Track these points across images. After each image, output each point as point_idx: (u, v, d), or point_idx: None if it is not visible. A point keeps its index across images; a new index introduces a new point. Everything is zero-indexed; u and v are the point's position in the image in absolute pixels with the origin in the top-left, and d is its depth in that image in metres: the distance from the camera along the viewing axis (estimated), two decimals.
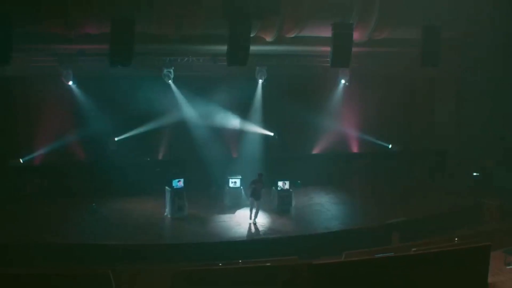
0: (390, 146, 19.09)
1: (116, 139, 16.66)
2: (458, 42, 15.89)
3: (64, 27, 13.55)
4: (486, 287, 8.01)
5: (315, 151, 18.65)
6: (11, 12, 12.37)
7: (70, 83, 15.77)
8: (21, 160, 16.50)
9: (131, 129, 16.57)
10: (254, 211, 13.98)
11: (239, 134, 17.55)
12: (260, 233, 13.27)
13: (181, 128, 16.67)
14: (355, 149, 19.04)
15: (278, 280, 7.45)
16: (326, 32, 13.98)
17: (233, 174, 15.85)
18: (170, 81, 15.96)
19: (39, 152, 16.47)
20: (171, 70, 15.82)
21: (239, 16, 13.09)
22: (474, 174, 17.38)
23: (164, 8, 13.35)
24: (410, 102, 19.25)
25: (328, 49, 14.09)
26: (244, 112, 17.42)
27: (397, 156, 18.85)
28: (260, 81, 16.77)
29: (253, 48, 13.43)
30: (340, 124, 18.29)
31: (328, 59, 14.35)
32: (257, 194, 14.01)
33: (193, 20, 13.66)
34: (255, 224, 13.78)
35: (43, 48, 14.88)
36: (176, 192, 14.32)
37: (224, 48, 13.38)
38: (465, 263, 7.80)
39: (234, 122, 17.33)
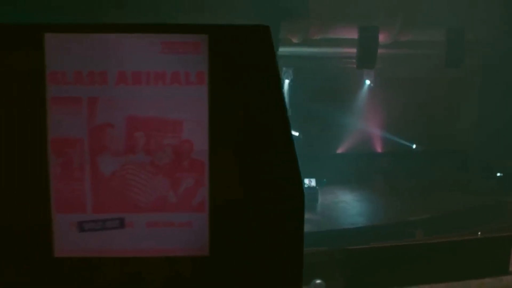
0: (414, 145, 19.66)
1: None
2: (481, 44, 16.42)
3: None
4: (507, 274, 8.63)
5: (340, 150, 19.28)
6: None
7: None
8: None
9: None
10: None
11: None
12: None
13: None
14: (379, 148, 19.64)
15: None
16: (352, 34, 14.67)
17: None
18: None
19: None
20: None
21: (268, 18, 13.86)
22: (498, 174, 17.87)
23: (196, 8, 14.17)
24: (433, 102, 19.74)
25: (353, 50, 14.78)
26: None
27: (420, 156, 19.39)
28: (287, 81, 17.46)
29: (280, 49, 14.17)
30: (364, 124, 18.89)
31: (353, 61, 15.06)
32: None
33: (224, 22, 14.43)
34: None
35: None
36: None
37: None
38: (487, 251, 8.43)
39: None
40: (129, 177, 1.83)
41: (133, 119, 1.79)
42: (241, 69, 1.80)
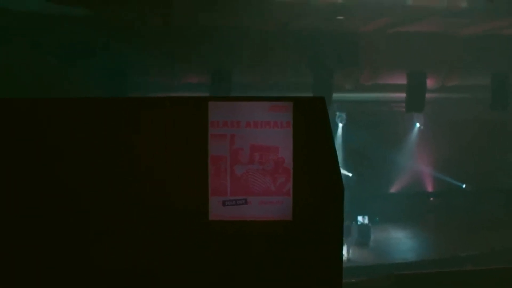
0: (464, 185, 20.83)
1: None
2: None
3: (171, 77, 16.61)
4: None
5: (392, 189, 20.66)
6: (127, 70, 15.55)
7: None
8: None
9: None
10: (347, 247, 16.07)
11: None
12: (346, 262, 15.40)
13: None
14: (430, 187, 20.92)
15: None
16: (402, 80, 16.32)
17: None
18: None
19: None
20: None
21: (322, 68, 15.69)
22: None
23: (256, 59, 16.14)
24: (483, 142, 20.91)
25: (403, 95, 16.40)
26: None
27: (470, 195, 20.53)
28: (340, 125, 19.13)
29: (334, 95, 15.93)
30: (415, 164, 20.26)
31: (403, 105, 16.66)
32: (348, 231, 16.17)
33: (283, 71, 16.36)
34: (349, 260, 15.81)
35: (145, 95, 18.00)
36: None
37: (305, 95, 15.92)
38: None
39: None
40: (250, 176, 3.58)
41: (253, 145, 3.55)
42: (308, 122, 3.57)
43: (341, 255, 3.70)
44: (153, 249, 3.60)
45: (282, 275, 3.60)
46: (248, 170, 3.58)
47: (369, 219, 17.53)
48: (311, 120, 3.60)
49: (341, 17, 14.63)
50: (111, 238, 3.60)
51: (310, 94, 15.87)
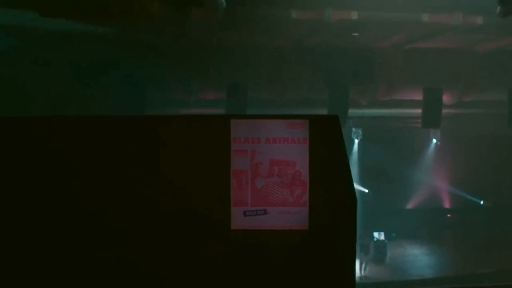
0: (481, 202, 20.97)
1: None
2: None
3: (187, 93, 17.04)
4: None
5: (409, 205, 20.86)
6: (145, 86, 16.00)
7: None
8: None
9: None
10: (363, 264, 16.32)
11: None
12: (361, 279, 15.64)
13: None
14: (447, 204, 21.09)
15: None
16: (418, 96, 16.61)
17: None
18: None
19: None
20: None
21: (337, 84, 16.04)
22: None
23: (272, 76, 16.54)
24: (500, 158, 21.05)
25: (419, 111, 16.68)
26: None
27: (488, 211, 20.66)
28: (356, 141, 19.43)
29: (350, 110, 16.25)
30: (432, 180, 20.47)
31: (419, 120, 16.93)
32: (366, 249, 16.42)
33: (298, 87, 16.73)
34: (365, 277, 16.07)
35: (162, 112, 18.43)
36: None
37: (320, 111, 16.28)
38: None
39: None
40: (269, 189, 3.93)
41: (272, 160, 3.90)
42: (323, 138, 3.92)
43: (354, 261, 4.01)
44: (180, 256, 3.95)
45: (299, 281, 3.93)
46: (268, 183, 3.93)
47: (385, 235, 17.74)
48: (326, 137, 3.95)
49: (356, 34, 15.00)
50: (139, 247, 3.95)
51: (325, 110, 16.23)
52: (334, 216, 3.93)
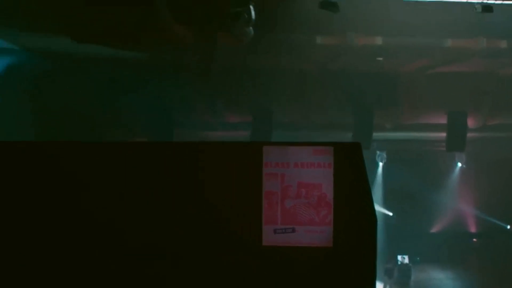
0: (508, 226, 21.12)
1: None
2: None
3: (213, 116, 17.62)
4: None
5: (434, 229, 21.08)
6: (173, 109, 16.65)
7: None
8: None
9: None
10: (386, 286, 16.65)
11: None
12: None
13: None
14: (472, 228, 21.27)
15: None
16: (442, 119, 16.98)
17: None
18: None
19: None
20: None
21: (362, 107, 16.51)
22: None
23: (297, 99, 17.04)
24: None
25: (443, 134, 17.04)
26: None
27: None
28: (381, 164, 19.78)
29: (374, 134, 16.67)
30: (457, 204, 20.69)
31: (444, 144, 17.29)
32: (390, 273, 16.73)
33: (322, 110, 17.22)
34: None
35: (189, 134, 19.04)
36: None
37: (345, 134, 16.73)
38: None
39: None
40: (298, 209, 4.44)
41: (300, 183, 4.42)
42: (346, 163, 4.43)
43: (374, 275, 4.48)
44: (217, 270, 4.47)
45: None
46: (296, 204, 4.45)
47: (409, 259, 18.02)
48: (349, 162, 4.46)
49: (380, 59, 15.48)
50: (179, 263, 4.48)
51: (350, 134, 16.68)
52: (356, 234, 4.42)
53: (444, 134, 17.06)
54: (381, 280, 16.91)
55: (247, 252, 4.47)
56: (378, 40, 14.57)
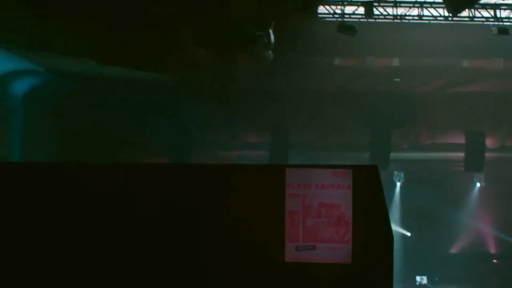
0: None
1: None
2: None
3: (233, 136, 18.04)
4: None
5: (453, 249, 21.18)
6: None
7: None
8: None
9: None
10: None
11: None
12: None
13: None
14: (492, 248, 21.34)
15: None
16: (460, 139, 17.23)
17: None
18: None
19: None
20: None
21: (379, 127, 16.82)
22: None
23: (314, 119, 17.41)
24: None
25: (461, 154, 17.28)
26: None
27: None
28: (398, 184, 20.00)
29: (392, 154, 16.97)
30: (477, 224, 20.79)
31: (462, 164, 17.52)
32: None
33: (340, 131, 17.57)
34: None
35: (208, 152, 19.45)
36: None
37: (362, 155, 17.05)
38: None
39: None
40: (318, 227, 4.80)
41: (320, 203, 4.79)
42: (364, 185, 4.78)
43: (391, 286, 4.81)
44: (242, 285, 4.82)
45: None
46: (317, 223, 4.80)
47: (428, 279, 18.17)
48: (366, 183, 4.81)
49: (397, 79, 15.83)
50: (212, 278, 4.85)
51: (368, 154, 16.99)
52: (373, 252, 4.76)
53: (462, 154, 17.30)
54: None
55: (271, 267, 4.81)
56: (395, 62, 14.96)
